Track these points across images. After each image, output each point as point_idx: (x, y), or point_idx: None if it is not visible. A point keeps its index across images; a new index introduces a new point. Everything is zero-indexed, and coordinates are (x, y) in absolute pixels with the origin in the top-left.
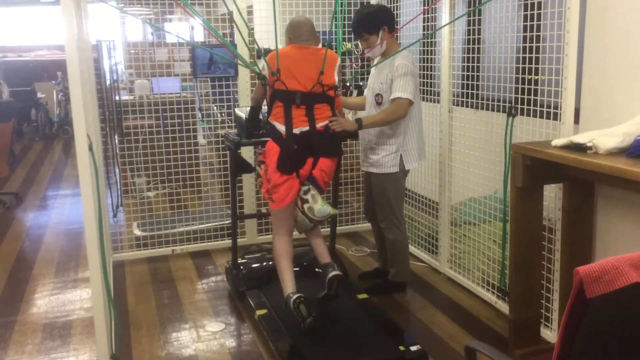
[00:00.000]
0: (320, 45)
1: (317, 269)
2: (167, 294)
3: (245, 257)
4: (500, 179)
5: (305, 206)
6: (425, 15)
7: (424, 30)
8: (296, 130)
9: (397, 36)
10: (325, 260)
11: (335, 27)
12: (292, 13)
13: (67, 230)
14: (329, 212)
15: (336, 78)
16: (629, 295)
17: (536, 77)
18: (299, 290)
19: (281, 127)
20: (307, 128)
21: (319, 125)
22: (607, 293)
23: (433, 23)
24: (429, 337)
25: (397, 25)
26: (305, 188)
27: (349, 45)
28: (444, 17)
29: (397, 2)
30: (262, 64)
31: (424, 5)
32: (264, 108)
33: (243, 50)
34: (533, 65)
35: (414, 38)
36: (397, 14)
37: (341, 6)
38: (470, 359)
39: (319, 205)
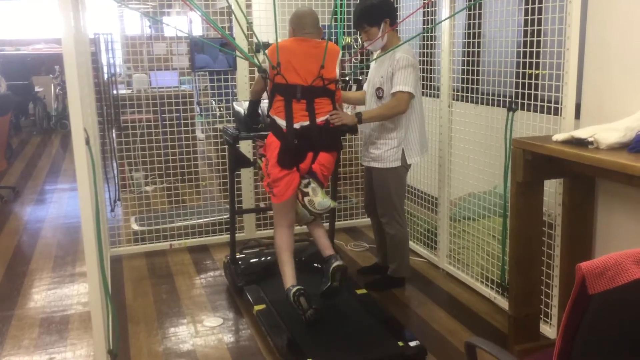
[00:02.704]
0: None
1: (315, 264)
2: (165, 289)
3: (244, 252)
4: (500, 174)
5: (306, 199)
6: (425, 10)
7: (424, 24)
8: (296, 125)
9: (397, 29)
10: (329, 252)
11: (336, 21)
12: (291, 6)
13: (64, 224)
14: (329, 205)
15: (337, 71)
16: (631, 291)
17: (537, 72)
18: (299, 284)
19: (282, 122)
20: (307, 123)
21: (320, 119)
22: (610, 289)
23: (433, 17)
24: (428, 333)
25: (397, 19)
26: (305, 181)
27: (348, 39)
28: (444, 10)
29: None
30: (262, 57)
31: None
32: (263, 103)
33: (242, 44)
34: (534, 60)
35: (414, 32)
36: (397, 7)
37: None
38: (470, 355)
39: (319, 198)
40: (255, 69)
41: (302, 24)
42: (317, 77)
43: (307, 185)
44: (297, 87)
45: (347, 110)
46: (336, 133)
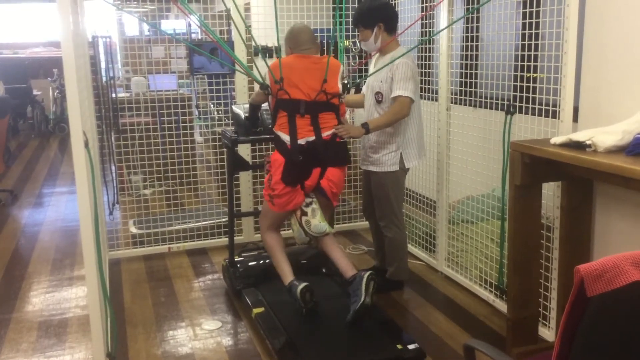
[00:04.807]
0: (319, 53)
1: (323, 269)
2: (163, 292)
3: (242, 255)
4: (498, 177)
5: (304, 219)
6: (424, 14)
7: (422, 28)
8: (302, 141)
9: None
10: (352, 273)
11: (336, 25)
12: (290, 10)
13: (63, 227)
14: (325, 230)
15: (340, 86)
16: (629, 293)
17: (535, 75)
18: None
19: (286, 137)
20: (312, 138)
21: (325, 134)
22: (608, 292)
23: (431, 20)
24: (427, 336)
25: (396, 26)
26: (308, 200)
27: (347, 42)
28: (443, 15)
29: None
30: (259, 62)
31: (423, 3)
32: (262, 106)
33: (240, 48)
34: (532, 63)
35: (412, 36)
36: (397, 12)
37: (341, 3)
38: (469, 358)
39: (317, 221)
40: (259, 84)
41: (299, 41)
42: (320, 91)
43: (307, 205)
44: (300, 102)
45: (346, 113)
46: (343, 147)
